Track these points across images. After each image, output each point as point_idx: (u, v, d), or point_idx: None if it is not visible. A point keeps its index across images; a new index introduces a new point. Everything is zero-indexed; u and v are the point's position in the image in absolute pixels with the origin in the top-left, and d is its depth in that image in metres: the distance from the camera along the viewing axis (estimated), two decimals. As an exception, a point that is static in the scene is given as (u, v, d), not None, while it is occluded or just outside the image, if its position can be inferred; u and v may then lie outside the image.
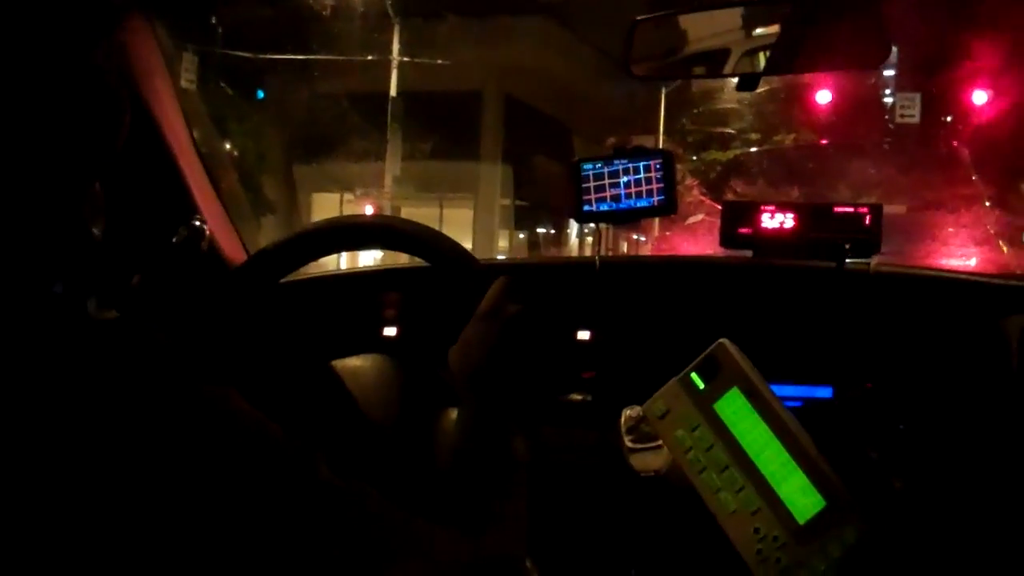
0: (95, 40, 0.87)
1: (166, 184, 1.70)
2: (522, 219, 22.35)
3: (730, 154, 18.15)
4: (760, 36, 1.49)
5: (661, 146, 18.37)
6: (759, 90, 16.97)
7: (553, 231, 22.76)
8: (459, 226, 19.72)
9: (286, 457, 0.78)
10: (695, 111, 19.46)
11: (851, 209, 1.57)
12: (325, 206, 20.02)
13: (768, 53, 1.48)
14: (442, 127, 19.70)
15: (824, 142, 15.53)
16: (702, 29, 1.56)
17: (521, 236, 22.52)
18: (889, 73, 17.27)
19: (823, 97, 16.36)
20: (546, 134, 20.21)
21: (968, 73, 15.31)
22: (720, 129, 18.76)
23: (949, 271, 1.66)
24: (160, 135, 1.67)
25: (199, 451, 0.73)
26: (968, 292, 1.59)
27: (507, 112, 20.67)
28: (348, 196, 19.57)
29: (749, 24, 1.50)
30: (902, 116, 15.37)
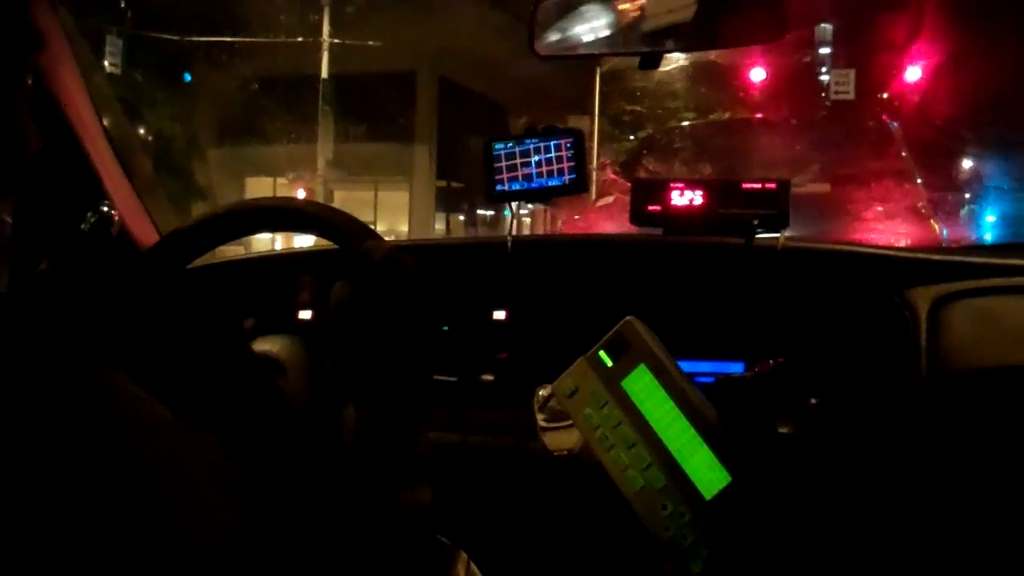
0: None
1: (74, 170, 1.66)
2: (460, 201, 22.30)
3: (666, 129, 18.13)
4: (663, 14, 1.49)
5: (596, 127, 18.57)
6: (693, 70, 17.07)
7: (492, 212, 22.71)
8: (395, 209, 19.63)
9: (164, 436, 0.75)
10: (630, 90, 19.48)
11: (759, 185, 1.58)
12: (258, 191, 19.77)
13: (670, 31, 1.48)
14: (376, 109, 19.55)
15: (757, 119, 15.66)
16: (604, 7, 1.55)
17: (461, 218, 22.47)
18: (825, 51, 17.46)
19: (757, 75, 16.49)
20: (482, 115, 20.14)
21: (901, 49, 15.54)
22: (656, 109, 18.81)
23: (855, 245, 1.68)
24: (66, 120, 1.64)
25: (55, 432, 0.70)
26: (873, 265, 1.60)
27: (442, 94, 20.57)
28: (281, 180, 19.36)
29: (653, 3, 1.49)
30: (837, 93, 15.55)
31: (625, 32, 1.52)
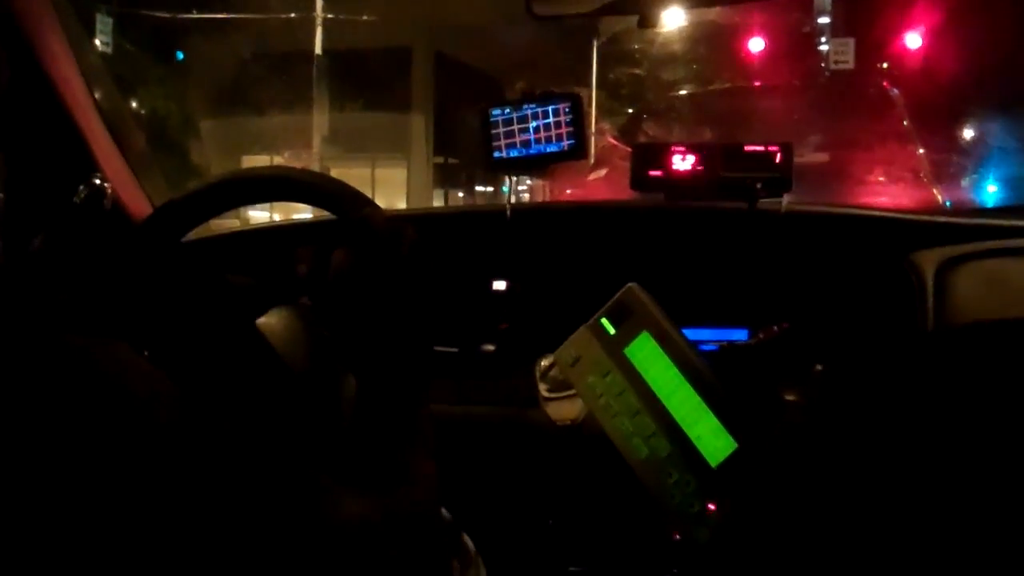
0: None
1: (65, 143, 1.65)
2: (458, 178, 22.25)
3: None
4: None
5: (595, 99, 18.48)
6: (692, 39, 16.95)
7: (491, 189, 22.64)
8: (393, 186, 19.57)
9: (172, 411, 0.73)
10: (628, 60, 19.35)
11: (761, 148, 1.55)
12: (255, 168, 19.71)
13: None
14: (372, 85, 19.48)
15: (756, 87, 15.53)
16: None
17: (460, 195, 22.42)
18: (824, 20, 17.35)
19: (756, 45, 16.35)
20: (479, 91, 20.06)
21: (901, 16, 15.42)
22: (654, 79, 18.69)
23: (860, 208, 1.65)
24: (56, 93, 1.62)
25: (57, 406, 0.68)
26: (879, 228, 1.58)
27: (438, 69, 20.49)
28: (278, 158, 19.31)
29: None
30: (836, 62, 15.46)
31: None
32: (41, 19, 1.60)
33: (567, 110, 1.59)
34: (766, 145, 1.56)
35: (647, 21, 1.46)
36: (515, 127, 1.60)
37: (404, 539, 0.90)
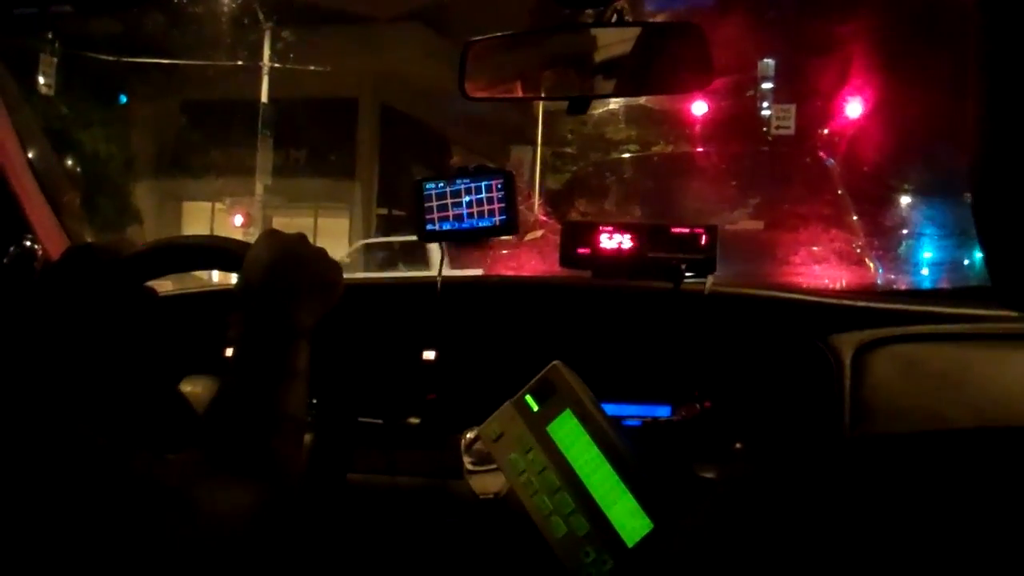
0: None
1: None
2: (401, 229, 22.26)
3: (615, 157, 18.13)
4: (593, 61, 1.50)
5: (539, 156, 18.63)
6: (636, 101, 17.16)
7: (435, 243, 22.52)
8: (335, 236, 19.51)
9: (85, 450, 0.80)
10: (573, 121, 19.54)
11: (687, 230, 1.60)
12: (195, 216, 19.56)
13: (598, 77, 1.50)
14: (317, 135, 19.49)
15: (696, 152, 15.73)
16: (535, 52, 1.56)
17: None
18: (767, 86, 17.69)
19: (699, 108, 16.59)
20: (424, 142, 20.16)
21: (842, 84, 15.80)
22: (598, 139, 18.89)
23: (782, 290, 1.69)
24: None
25: None
26: (797, 311, 1.62)
27: (384, 120, 20.56)
28: (219, 205, 19.19)
29: (582, 49, 1.51)
30: (778, 128, 15.71)
31: (554, 77, 1.53)
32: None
33: (499, 186, 1.61)
34: (692, 227, 1.60)
35: (577, 108, 1.50)
36: (448, 201, 1.63)
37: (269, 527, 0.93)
